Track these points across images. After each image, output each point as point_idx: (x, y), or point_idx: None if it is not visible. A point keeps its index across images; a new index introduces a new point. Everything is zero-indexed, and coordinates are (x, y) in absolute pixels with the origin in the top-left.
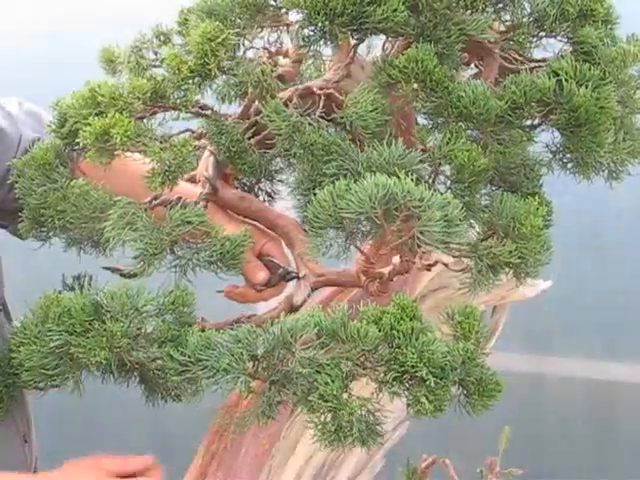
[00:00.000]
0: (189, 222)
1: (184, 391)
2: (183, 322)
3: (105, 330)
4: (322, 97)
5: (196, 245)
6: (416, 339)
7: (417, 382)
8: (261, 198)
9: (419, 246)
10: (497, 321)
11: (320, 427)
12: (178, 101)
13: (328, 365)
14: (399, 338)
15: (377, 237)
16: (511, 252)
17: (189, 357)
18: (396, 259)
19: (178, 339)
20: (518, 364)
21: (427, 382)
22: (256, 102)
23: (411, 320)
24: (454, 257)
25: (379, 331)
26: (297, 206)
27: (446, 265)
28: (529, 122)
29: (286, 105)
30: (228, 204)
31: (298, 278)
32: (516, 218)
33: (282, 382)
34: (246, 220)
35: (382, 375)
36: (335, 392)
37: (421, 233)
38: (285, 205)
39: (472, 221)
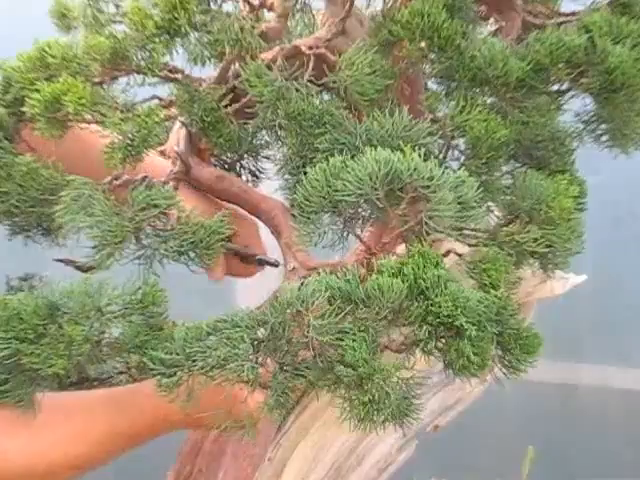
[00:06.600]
0: (155, 205)
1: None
2: (153, 324)
3: (62, 335)
4: (312, 58)
5: (164, 233)
6: (445, 287)
7: (456, 334)
8: (243, 178)
9: (428, 233)
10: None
11: (348, 402)
12: (142, 63)
13: (351, 330)
14: (427, 288)
15: (379, 223)
16: (537, 240)
17: (178, 354)
18: (401, 248)
19: (149, 343)
20: (546, 372)
21: (467, 332)
22: (234, 64)
23: (435, 267)
24: (469, 246)
25: (402, 283)
26: (285, 187)
27: (460, 255)
28: (556, 87)
29: (269, 67)
30: (203, 184)
31: (275, 265)
32: (542, 200)
33: (294, 363)
34: (223, 203)
35: (413, 334)
36: (364, 356)
37: (430, 218)
38: (272, 186)
39: (490, 204)
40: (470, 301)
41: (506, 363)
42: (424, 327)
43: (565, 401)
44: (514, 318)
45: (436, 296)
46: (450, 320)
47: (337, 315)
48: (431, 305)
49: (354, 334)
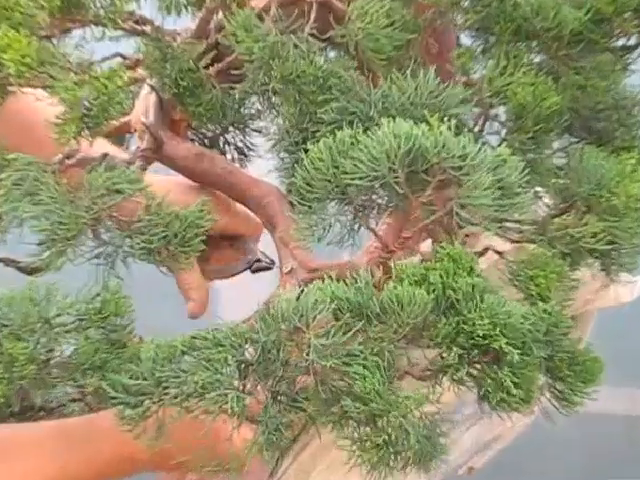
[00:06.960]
0: (118, 191)
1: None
2: (115, 340)
3: (1, 353)
4: (314, 6)
5: (129, 225)
6: (481, 300)
7: (493, 359)
8: (228, 156)
9: (460, 226)
10: (579, 338)
11: (358, 444)
12: (102, 12)
13: (361, 354)
14: (458, 300)
15: (398, 213)
16: (596, 234)
17: (145, 379)
18: (426, 245)
19: (110, 364)
20: (607, 401)
21: (508, 357)
22: (217, 14)
23: (469, 274)
24: (512, 242)
25: (427, 294)
26: (281, 168)
27: (500, 254)
28: (622, 42)
29: (261, 18)
30: (178, 164)
31: (269, 268)
32: (604, 184)
33: (290, 392)
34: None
35: (440, 358)
36: (377, 387)
37: (463, 207)
38: (265, 166)
39: (539, 189)
40: (512, 317)
41: (557, 394)
42: (454, 349)
43: (629, 435)
44: (568, 338)
45: (469, 311)
46: (486, 341)
47: (345, 333)
48: (463, 322)
49: (365, 358)
